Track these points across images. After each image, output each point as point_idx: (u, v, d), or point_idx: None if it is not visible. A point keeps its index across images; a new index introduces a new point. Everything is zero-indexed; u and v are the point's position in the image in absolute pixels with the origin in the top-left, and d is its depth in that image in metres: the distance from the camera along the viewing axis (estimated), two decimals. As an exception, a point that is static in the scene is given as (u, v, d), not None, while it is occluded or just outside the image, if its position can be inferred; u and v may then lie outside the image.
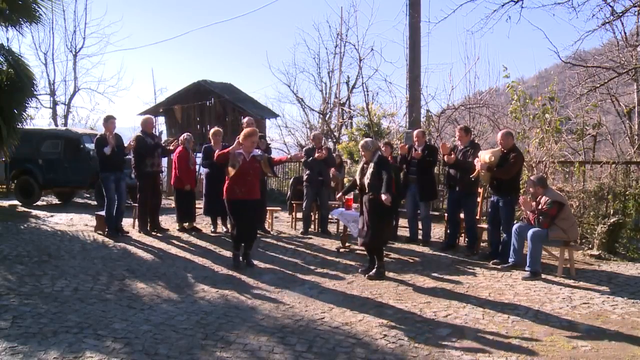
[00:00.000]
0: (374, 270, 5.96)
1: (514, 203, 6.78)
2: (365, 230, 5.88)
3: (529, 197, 6.32)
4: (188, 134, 8.92)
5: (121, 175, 8.12)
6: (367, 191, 5.85)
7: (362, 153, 6.07)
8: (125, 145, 8.03)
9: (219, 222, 8.71)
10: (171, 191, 11.44)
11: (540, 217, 6.00)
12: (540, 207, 6.07)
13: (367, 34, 60.30)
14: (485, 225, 7.28)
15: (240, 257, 6.40)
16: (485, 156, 6.60)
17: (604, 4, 8.57)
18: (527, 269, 6.00)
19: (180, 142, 8.55)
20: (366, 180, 5.83)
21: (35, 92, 10.13)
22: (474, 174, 6.76)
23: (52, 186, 12.20)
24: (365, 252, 7.22)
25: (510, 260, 6.38)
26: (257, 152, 6.43)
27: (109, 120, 8.01)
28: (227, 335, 4.09)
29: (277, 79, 53.89)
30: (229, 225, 8.78)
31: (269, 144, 10.77)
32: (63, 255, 6.74)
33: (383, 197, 5.56)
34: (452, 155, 7.14)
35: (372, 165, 5.83)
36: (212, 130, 8.60)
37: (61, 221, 9.59)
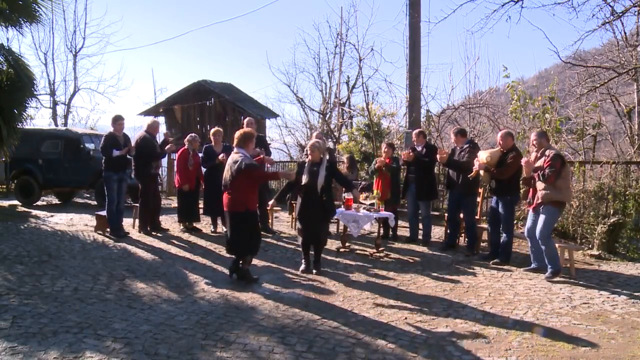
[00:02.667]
0: (318, 265, 6.17)
1: (514, 203, 6.79)
2: (312, 229, 6.06)
3: (530, 157, 6.22)
4: (193, 134, 8.93)
5: (123, 176, 8.13)
6: (319, 194, 6.02)
7: (311, 153, 6.16)
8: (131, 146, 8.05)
9: (219, 222, 8.71)
10: (171, 191, 11.44)
11: (547, 171, 5.81)
12: (544, 161, 5.90)
13: (367, 34, 60.44)
14: (485, 225, 7.28)
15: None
16: (483, 156, 6.61)
17: (604, 4, 8.59)
18: (549, 269, 5.92)
19: (186, 142, 8.57)
20: (319, 184, 5.99)
21: (35, 92, 10.14)
22: (472, 174, 6.76)
23: (52, 186, 12.20)
24: (365, 252, 7.24)
25: (533, 264, 6.28)
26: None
27: (118, 121, 8.00)
28: (227, 335, 4.09)
29: (277, 79, 54.02)
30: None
31: (269, 144, 10.78)
32: (63, 255, 6.74)
33: (355, 194, 6.44)
34: (444, 155, 7.15)
35: (323, 168, 6.02)
36: (212, 130, 8.61)
37: (61, 221, 9.59)
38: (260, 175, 6.03)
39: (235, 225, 5.52)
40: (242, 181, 5.39)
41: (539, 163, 5.97)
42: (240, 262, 5.73)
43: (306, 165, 6.16)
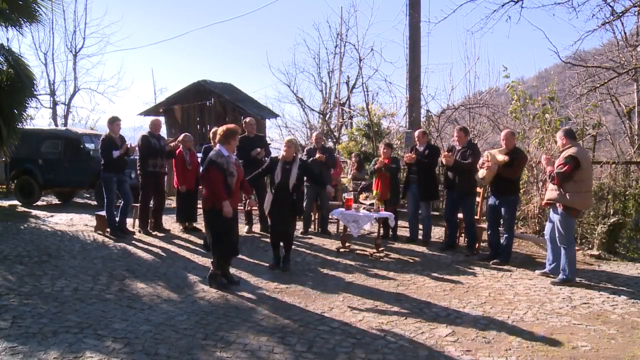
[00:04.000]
0: (286, 263, 6.26)
1: (515, 203, 6.78)
2: (283, 227, 6.16)
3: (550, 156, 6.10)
4: (186, 134, 8.92)
5: (123, 177, 8.14)
6: (291, 192, 6.14)
7: (287, 149, 6.20)
8: (129, 146, 8.06)
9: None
10: (171, 191, 11.44)
11: (555, 172, 5.59)
12: (558, 161, 5.67)
13: (367, 34, 60.48)
14: (484, 225, 7.28)
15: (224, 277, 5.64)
16: (498, 156, 6.46)
17: (604, 4, 8.58)
18: (561, 275, 5.74)
19: (177, 142, 8.56)
20: (291, 182, 6.10)
21: (35, 92, 10.13)
22: (482, 174, 6.59)
23: (52, 186, 12.19)
24: (365, 252, 7.24)
25: (548, 267, 6.10)
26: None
27: (115, 122, 8.01)
28: (227, 335, 4.09)
29: (277, 79, 53.95)
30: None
31: (269, 144, 10.78)
32: (63, 255, 6.74)
33: (330, 190, 6.62)
34: (450, 159, 7.12)
35: (296, 166, 6.13)
36: (212, 130, 8.61)
37: (61, 221, 9.59)
38: (209, 180, 5.23)
39: (206, 223, 5.51)
40: (209, 179, 5.25)
41: (558, 162, 5.76)
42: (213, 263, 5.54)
43: (279, 163, 6.19)
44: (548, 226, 6.08)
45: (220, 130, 5.54)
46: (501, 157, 6.47)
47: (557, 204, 5.74)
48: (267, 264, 6.50)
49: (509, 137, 6.61)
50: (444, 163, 7.26)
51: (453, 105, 14.57)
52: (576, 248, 6.86)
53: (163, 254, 7.06)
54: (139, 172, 8.39)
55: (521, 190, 7.16)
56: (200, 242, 7.85)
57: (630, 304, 5.05)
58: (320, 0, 44.59)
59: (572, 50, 12.25)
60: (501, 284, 5.78)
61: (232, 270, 6.12)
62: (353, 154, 10.99)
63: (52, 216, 10.19)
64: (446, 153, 7.44)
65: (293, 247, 7.57)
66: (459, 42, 36.28)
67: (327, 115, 20.75)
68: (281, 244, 6.33)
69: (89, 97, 65.07)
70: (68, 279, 5.64)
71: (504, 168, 6.43)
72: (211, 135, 8.50)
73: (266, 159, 7.33)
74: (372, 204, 7.41)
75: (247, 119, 8.73)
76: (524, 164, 6.61)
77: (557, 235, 5.81)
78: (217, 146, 5.48)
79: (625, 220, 7.36)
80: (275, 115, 21.67)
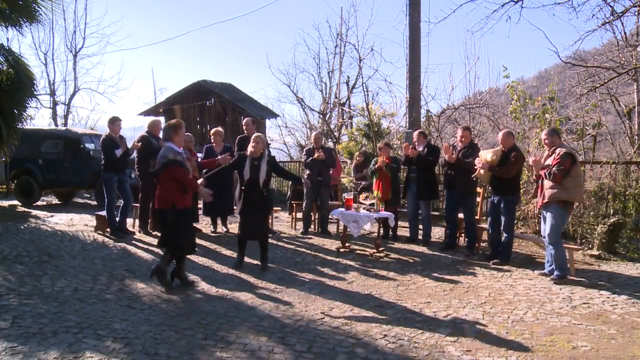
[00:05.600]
0: (264, 262, 6.22)
1: (515, 203, 6.78)
2: (254, 225, 6.09)
3: (539, 156, 6.14)
4: (187, 134, 8.91)
5: (123, 177, 8.14)
6: (261, 188, 6.07)
7: (254, 145, 6.15)
8: (129, 146, 8.07)
9: (219, 222, 8.72)
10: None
11: (554, 169, 5.72)
12: (553, 159, 5.80)
13: (367, 34, 60.46)
14: (485, 225, 7.28)
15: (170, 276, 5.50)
16: (487, 155, 6.59)
17: (604, 4, 8.58)
18: (556, 273, 5.85)
19: None
20: (261, 178, 6.04)
21: (35, 92, 10.14)
22: (475, 174, 6.75)
23: (52, 186, 12.20)
24: (365, 252, 7.24)
25: (547, 268, 6.13)
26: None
27: (115, 122, 8.03)
28: (227, 335, 4.09)
29: (277, 79, 54.11)
30: (228, 226, 8.80)
31: (269, 144, 10.79)
32: (63, 255, 6.74)
33: (301, 188, 6.20)
34: (454, 157, 7.14)
35: (264, 162, 6.07)
36: (213, 130, 8.61)
37: (61, 221, 9.59)
38: (181, 176, 5.25)
39: (163, 223, 5.42)
40: (166, 177, 5.20)
41: (549, 161, 5.88)
42: (166, 261, 5.44)
43: (247, 159, 6.15)
44: (544, 227, 6.12)
45: (165, 126, 5.53)
46: (490, 157, 6.51)
47: (557, 201, 5.79)
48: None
49: (505, 136, 6.62)
50: (447, 160, 7.26)
51: (453, 105, 14.59)
52: (576, 248, 6.88)
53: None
54: (137, 172, 8.39)
55: (521, 190, 7.15)
56: (201, 242, 7.87)
57: (630, 304, 5.05)
58: (320, 0, 44.65)
59: (572, 50, 12.28)
60: (501, 284, 5.78)
61: (232, 271, 6.14)
62: (357, 153, 10.99)
63: (52, 216, 10.19)
64: (446, 144, 7.47)
65: (293, 247, 7.60)
66: (459, 42, 36.38)
67: (327, 115, 20.76)
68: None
69: (89, 97, 65.30)
70: (68, 279, 5.64)
71: (498, 167, 6.45)
72: (211, 135, 8.53)
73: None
74: (372, 204, 7.42)
75: (245, 120, 8.77)
76: (520, 164, 6.61)
77: (548, 233, 5.88)
78: (166, 143, 5.37)
79: (625, 220, 7.36)
80: (275, 115, 21.69)
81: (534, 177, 6.30)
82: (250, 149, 6.15)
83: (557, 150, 5.85)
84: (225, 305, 4.87)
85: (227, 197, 8.13)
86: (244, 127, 8.72)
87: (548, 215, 5.90)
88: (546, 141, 6.08)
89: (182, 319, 4.46)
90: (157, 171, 5.29)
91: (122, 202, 8.31)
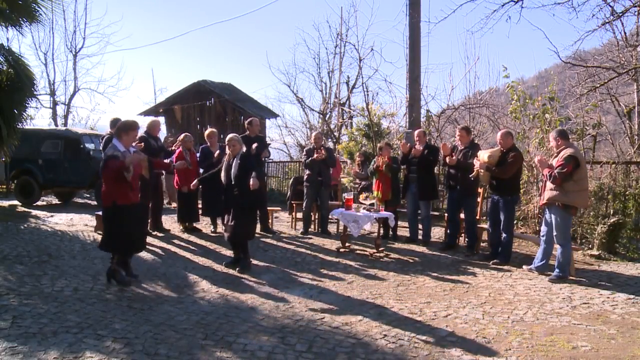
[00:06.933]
0: (241, 265, 6.16)
1: (514, 203, 6.78)
2: (231, 225, 6.07)
3: (545, 155, 6.13)
4: (186, 134, 8.93)
5: None
6: (233, 185, 6.04)
7: (230, 147, 6.20)
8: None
9: (219, 222, 8.71)
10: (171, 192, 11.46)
11: (555, 171, 5.64)
12: (557, 161, 5.74)
13: (367, 34, 60.44)
14: (485, 225, 7.28)
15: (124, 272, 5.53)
16: (483, 155, 6.60)
17: (604, 4, 8.58)
18: (555, 272, 5.82)
19: (178, 142, 8.56)
20: (233, 174, 6.03)
21: (35, 92, 10.15)
22: (473, 174, 6.77)
23: (52, 186, 12.19)
24: (365, 252, 7.24)
25: (538, 263, 6.12)
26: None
27: (130, 132, 7.99)
28: (227, 335, 4.09)
29: (277, 79, 54.12)
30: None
31: (269, 144, 10.79)
32: (63, 255, 6.74)
33: (251, 182, 5.84)
34: (454, 157, 7.15)
35: (238, 158, 6.07)
36: (207, 132, 8.63)
37: (61, 221, 9.59)
38: (112, 167, 5.12)
39: (105, 221, 5.39)
40: (108, 175, 5.17)
41: (554, 162, 5.82)
42: (113, 260, 5.45)
43: (225, 161, 6.23)
44: (544, 228, 6.12)
45: (119, 124, 5.53)
46: (486, 157, 6.52)
47: (557, 203, 5.76)
48: (267, 264, 6.50)
49: (504, 136, 6.63)
50: (448, 162, 7.27)
51: (453, 105, 14.60)
52: (576, 248, 6.88)
53: (163, 254, 7.06)
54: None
55: (521, 190, 7.15)
56: (201, 242, 7.88)
57: (630, 304, 5.05)
58: (320, 0, 44.60)
59: (572, 50, 12.29)
60: (501, 284, 5.78)
61: (232, 271, 6.14)
62: (358, 153, 10.99)
63: (52, 216, 10.19)
64: (444, 143, 7.48)
65: (292, 247, 7.60)
66: (459, 42, 36.43)
67: (327, 115, 20.77)
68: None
69: (89, 97, 65.30)
70: (68, 279, 5.64)
71: (496, 168, 6.46)
72: (206, 137, 8.54)
73: (268, 158, 7.33)
74: (372, 204, 7.42)
75: (250, 120, 8.78)
76: (519, 164, 6.61)
77: (554, 234, 5.85)
78: (113, 141, 5.38)
79: (625, 220, 7.36)
80: (275, 115, 21.66)
81: (542, 176, 6.24)
82: (227, 152, 6.24)
83: (563, 152, 5.77)
84: (225, 305, 4.87)
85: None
86: (247, 126, 8.72)
87: (551, 216, 5.88)
88: (554, 141, 5.97)
89: (182, 319, 4.46)
90: (100, 170, 5.27)
91: None
